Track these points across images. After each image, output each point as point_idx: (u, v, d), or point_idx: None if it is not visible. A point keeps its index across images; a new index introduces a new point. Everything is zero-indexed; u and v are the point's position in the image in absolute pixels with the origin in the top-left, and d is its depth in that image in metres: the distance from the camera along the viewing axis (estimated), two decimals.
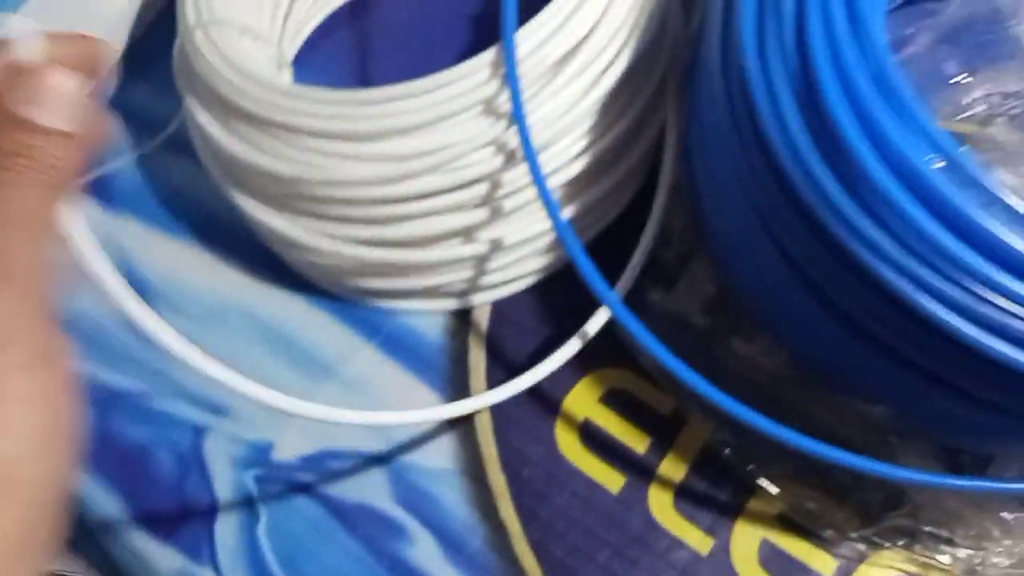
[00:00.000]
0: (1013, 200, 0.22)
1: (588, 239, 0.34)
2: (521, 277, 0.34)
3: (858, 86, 0.23)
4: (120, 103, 0.41)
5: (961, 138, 0.32)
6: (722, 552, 0.29)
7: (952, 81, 0.31)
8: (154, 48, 0.42)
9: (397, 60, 0.41)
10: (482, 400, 0.30)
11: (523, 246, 0.32)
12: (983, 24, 0.31)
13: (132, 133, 0.40)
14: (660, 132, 0.34)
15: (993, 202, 0.22)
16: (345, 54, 0.41)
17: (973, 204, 0.22)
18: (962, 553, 0.27)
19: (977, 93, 0.32)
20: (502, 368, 0.33)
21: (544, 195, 0.28)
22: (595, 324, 0.30)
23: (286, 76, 0.38)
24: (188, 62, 0.34)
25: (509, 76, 0.28)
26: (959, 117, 0.32)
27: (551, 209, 0.28)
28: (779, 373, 0.29)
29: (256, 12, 0.36)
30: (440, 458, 0.32)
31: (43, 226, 0.19)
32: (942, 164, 0.22)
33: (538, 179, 0.28)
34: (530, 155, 0.27)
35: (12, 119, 0.19)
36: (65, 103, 0.19)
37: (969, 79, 0.31)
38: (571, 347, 0.30)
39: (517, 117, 0.28)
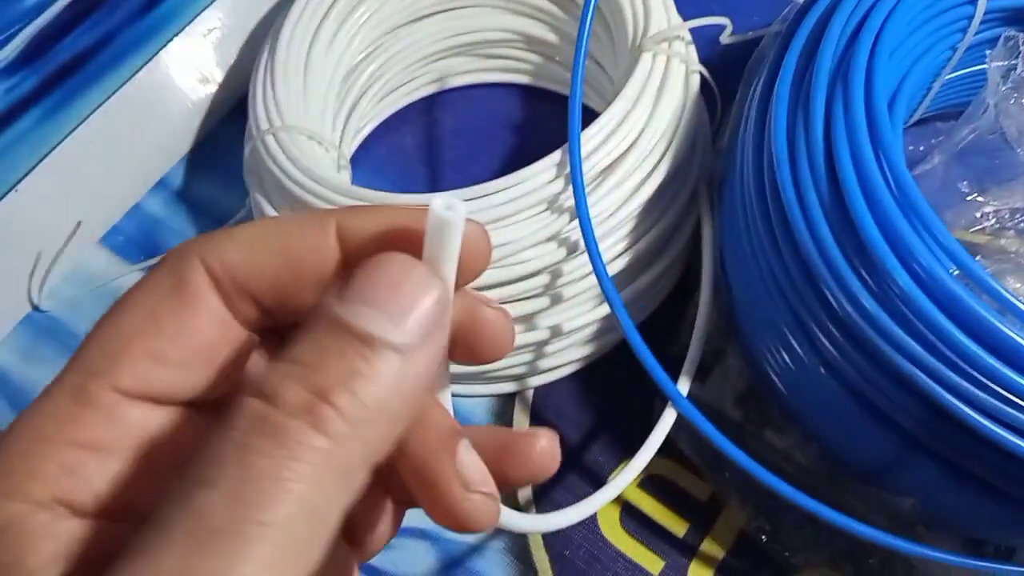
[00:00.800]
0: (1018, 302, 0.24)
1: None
2: (567, 364, 0.36)
3: (882, 200, 0.26)
4: (188, 194, 0.44)
5: (974, 249, 0.35)
6: None
7: (965, 198, 0.34)
8: (220, 146, 0.45)
9: (445, 161, 0.44)
10: (547, 522, 0.27)
11: (572, 334, 0.34)
12: (991, 149, 0.34)
13: (198, 222, 0.43)
14: (692, 234, 0.36)
15: (1008, 308, 0.24)
16: (396, 155, 0.44)
17: (990, 311, 0.24)
18: None
19: (987, 209, 0.35)
20: None
21: (606, 287, 0.30)
22: (661, 432, 0.30)
23: (345, 176, 0.41)
24: (259, 163, 0.37)
25: (574, 176, 0.31)
26: (972, 229, 0.35)
27: (613, 301, 0.30)
28: (810, 465, 0.30)
29: (320, 117, 0.39)
30: (485, 538, 0.34)
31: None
32: (957, 273, 0.25)
33: (600, 271, 0.30)
34: (592, 248, 0.30)
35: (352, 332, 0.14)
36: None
37: (979, 197, 0.34)
38: (641, 460, 0.30)
39: (581, 213, 0.30)
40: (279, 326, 0.17)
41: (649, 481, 0.34)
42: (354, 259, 0.15)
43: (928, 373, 0.25)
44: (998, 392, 0.24)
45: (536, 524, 0.27)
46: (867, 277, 0.25)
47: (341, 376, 0.14)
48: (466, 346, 0.17)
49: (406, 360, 0.14)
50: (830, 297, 0.26)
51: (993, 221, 0.34)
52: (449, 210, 0.15)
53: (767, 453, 0.31)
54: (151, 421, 0.15)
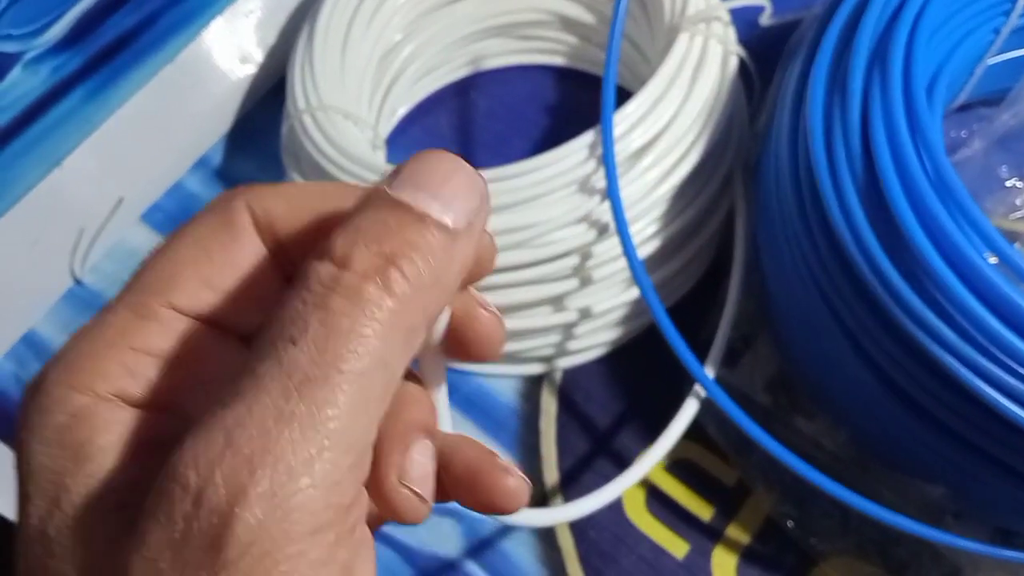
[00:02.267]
0: None
1: None
2: (595, 347, 0.36)
3: (918, 186, 0.25)
4: (227, 173, 0.45)
5: (1014, 236, 0.34)
6: None
7: (1005, 184, 0.34)
8: (259, 124, 0.46)
9: (479, 142, 0.44)
10: (568, 512, 0.29)
11: (601, 317, 0.34)
12: None
13: None
14: (725, 218, 0.36)
15: None
16: (430, 137, 0.44)
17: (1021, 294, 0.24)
18: None
19: None
20: (571, 434, 0.35)
21: (636, 269, 0.30)
22: (687, 414, 0.30)
23: (381, 156, 0.42)
24: (296, 141, 0.37)
25: (606, 157, 0.31)
26: (1012, 217, 0.34)
27: (643, 284, 0.30)
28: (839, 451, 0.30)
29: (356, 98, 0.40)
30: (512, 519, 0.34)
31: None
32: (995, 260, 0.25)
33: (630, 253, 0.30)
34: (623, 230, 0.30)
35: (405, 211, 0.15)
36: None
37: (1020, 183, 0.33)
38: (664, 444, 0.30)
39: (612, 195, 0.30)
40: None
41: (676, 465, 0.34)
42: None
43: (962, 360, 0.24)
44: None
45: (556, 516, 0.27)
46: (902, 263, 0.25)
47: (404, 246, 0.15)
48: (459, 343, 0.19)
49: (454, 240, 0.16)
50: (864, 283, 0.25)
51: None
52: None
53: (796, 439, 0.31)
54: (202, 338, 0.17)
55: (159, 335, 0.17)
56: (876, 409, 0.28)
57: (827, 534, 0.30)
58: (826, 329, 0.28)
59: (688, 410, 0.30)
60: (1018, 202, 0.34)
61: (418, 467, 0.17)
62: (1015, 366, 0.24)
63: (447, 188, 0.16)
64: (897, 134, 0.26)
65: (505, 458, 0.18)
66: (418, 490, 0.17)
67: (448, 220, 0.16)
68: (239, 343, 0.18)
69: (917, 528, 0.26)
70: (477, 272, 0.18)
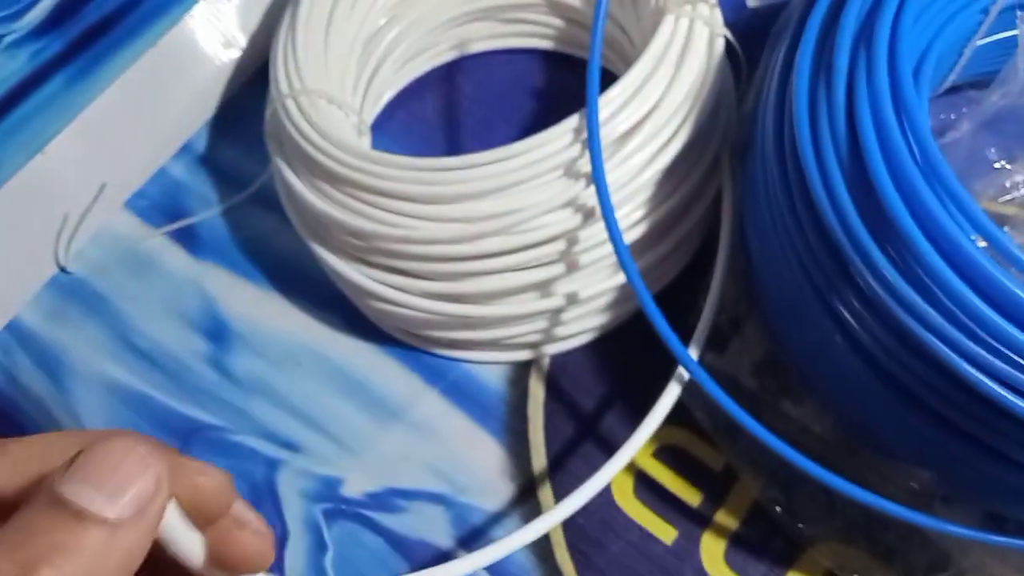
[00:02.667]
0: None
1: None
2: (583, 332, 0.36)
3: (904, 167, 0.25)
4: (211, 159, 0.45)
5: (1003, 219, 0.34)
6: None
7: (994, 166, 0.33)
8: (244, 109, 0.45)
9: (464, 127, 0.44)
10: (554, 517, 0.28)
11: (588, 302, 0.34)
12: (1023, 116, 0.33)
13: (221, 187, 0.44)
14: (713, 202, 0.36)
15: None
16: (416, 121, 0.44)
17: (1009, 278, 0.23)
18: None
19: (1018, 178, 0.34)
20: (558, 420, 0.35)
21: (621, 254, 0.30)
22: (670, 397, 0.30)
23: (366, 142, 0.41)
24: (279, 126, 0.37)
25: (591, 141, 0.30)
26: (1001, 199, 0.34)
27: (628, 268, 0.30)
28: (827, 436, 0.30)
29: (340, 82, 0.39)
30: (499, 502, 0.34)
31: None
32: (983, 243, 0.24)
33: (616, 237, 0.30)
34: (609, 215, 0.30)
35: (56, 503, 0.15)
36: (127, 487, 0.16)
37: (1008, 165, 0.33)
38: (648, 428, 0.30)
39: (597, 179, 0.30)
40: None
41: (664, 451, 0.34)
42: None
43: (949, 344, 0.24)
44: (1021, 364, 0.23)
45: (544, 524, 0.27)
46: (888, 245, 0.25)
47: (49, 551, 0.14)
48: (223, 563, 0.18)
49: (115, 533, 0.15)
50: (849, 265, 0.25)
51: (1022, 190, 0.33)
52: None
53: (783, 423, 0.31)
54: None
55: None
56: (863, 393, 0.28)
57: (814, 519, 0.30)
58: (813, 312, 0.28)
59: (670, 394, 0.30)
60: (1007, 184, 0.34)
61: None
62: (1003, 349, 0.24)
63: (116, 477, 0.15)
64: (883, 115, 0.26)
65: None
66: None
67: (111, 514, 0.15)
68: None
69: (904, 513, 0.26)
70: (216, 511, 0.18)
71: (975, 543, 0.28)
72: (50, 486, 0.15)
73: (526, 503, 0.34)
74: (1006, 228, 0.33)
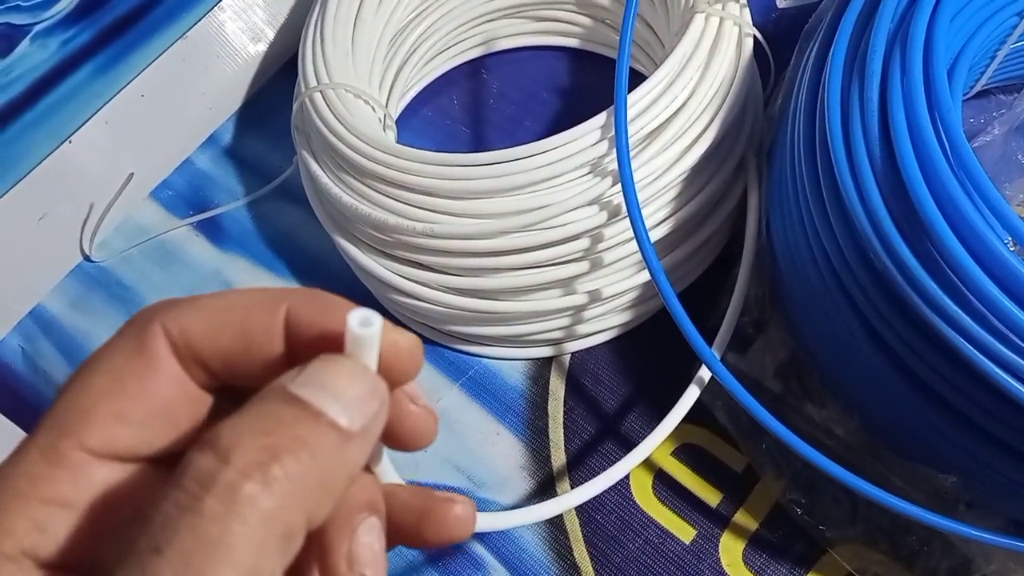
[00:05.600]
0: None
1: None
2: (604, 330, 0.36)
3: (938, 169, 0.25)
4: (237, 151, 0.45)
5: None
6: None
7: None
8: (270, 103, 0.46)
9: (490, 124, 0.44)
10: (570, 500, 0.28)
11: (610, 300, 0.34)
12: None
13: (246, 179, 0.44)
14: (738, 203, 0.36)
15: None
16: (442, 117, 0.44)
17: None
18: None
19: None
20: (578, 417, 0.35)
21: (646, 251, 0.30)
22: (691, 395, 0.30)
23: (391, 136, 0.41)
24: (306, 120, 0.37)
25: (618, 139, 0.30)
26: None
27: (652, 266, 0.30)
28: (851, 439, 0.30)
29: (367, 77, 0.39)
30: (518, 498, 0.34)
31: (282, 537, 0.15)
32: (1015, 247, 0.24)
33: (641, 235, 0.30)
34: (634, 212, 0.30)
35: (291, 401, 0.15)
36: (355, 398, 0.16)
37: None
38: (670, 424, 0.30)
39: (624, 177, 0.30)
40: (234, 388, 0.18)
41: (683, 450, 0.33)
42: (297, 344, 0.17)
43: (979, 347, 0.24)
44: None
45: (556, 506, 0.27)
46: (919, 247, 0.25)
47: (292, 441, 0.15)
48: (390, 436, 0.18)
49: (346, 443, 0.15)
50: (880, 267, 0.25)
51: None
52: (364, 326, 0.16)
53: (807, 426, 0.30)
54: (116, 478, 0.17)
55: (71, 484, 0.16)
56: (889, 396, 0.27)
57: (836, 521, 0.30)
58: (840, 314, 0.28)
59: (691, 393, 0.30)
60: None
61: (366, 549, 0.17)
62: None
63: (348, 390, 0.16)
64: (917, 117, 0.26)
65: (445, 491, 0.18)
66: (369, 573, 0.17)
67: (344, 421, 0.15)
68: (158, 472, 0.17)
69: (927, 516, 0.26)
70: (405, 374, 0.18)
71: (998, 549, 0.28)
72: (285, 385, 0.16)
73: (544, 498, 0.34)
74: None
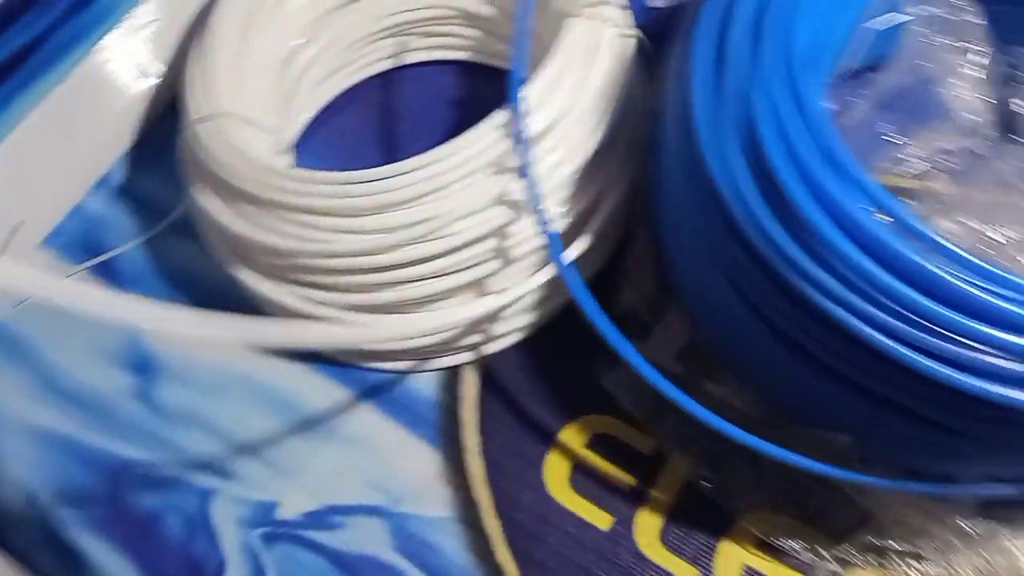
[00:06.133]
0: (941, 240, 0.25)
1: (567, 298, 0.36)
2: (511, 332, 0.36)
3: (798, 149, 0.26)
4: (130, 190, 0.44)
5: (904, 192, 0.35)
6: None
7: (892, 142, 0.35)
8: (162, 138, 0.45)
9: (389, 142, 0.44)
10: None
11: (520, 300, 0.34)
12: (915, 94, 0.34)
13: (140, 218, 0.43)
14: (630, 196, 0.37)
15: (930, 245, 0.25)
16: (340, 138, 0.44)
17: (905, 244, 0.24)
18: (931, 568, 0.29)
19: (916, 152, 0.35)
20: (493, 420, 0.35)
21: (554, 249, 0.30)
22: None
23: (285, 160, 0.41)
24: (192, 151, 0.37)
25: (515, 137, 0.31)
26: (906, 173, 0.35)
27: (558, 260, 0.30)
28: (749, 411, 0.31)
29: (257, 103, 0.39)
30: (437, 507, 0.34)
31: None
32: (881, 214, 0.25)
33: (545, 231, 0.30)
34: (537, 211, 0.30)
35: None
36: None
37: (905, 140, 0.35)
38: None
39: (525, 175, 0.30)
40: None
41: (595, 440, 0.34)
42: None
43: (849, 310, 0.25)
44: (916, 321, 0.24)
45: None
46: (785, 221, 0.26)
47: None
48: None
49: None
50: (747, 238, 0.26)
51: (921, 164, 0.34)
52: None
53: (707, 403, 0.31)
54: None
55: None
56: (776, 366, 0.28)
57: (742, 491, 0.31)
58: (725, 295, 0.29)
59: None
60: (905, 159, 0.35)
61: None
62: (900, 310, 0.25)
63: None
64: (777, 98, 0.27)
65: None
66: None
67: None
68: None
69: (824, 468, 0.27)
70: None
71: (895, 499, 0.29)
72: None
73: (463, 503, 0.34)
74: (911, 201, 0.34)
